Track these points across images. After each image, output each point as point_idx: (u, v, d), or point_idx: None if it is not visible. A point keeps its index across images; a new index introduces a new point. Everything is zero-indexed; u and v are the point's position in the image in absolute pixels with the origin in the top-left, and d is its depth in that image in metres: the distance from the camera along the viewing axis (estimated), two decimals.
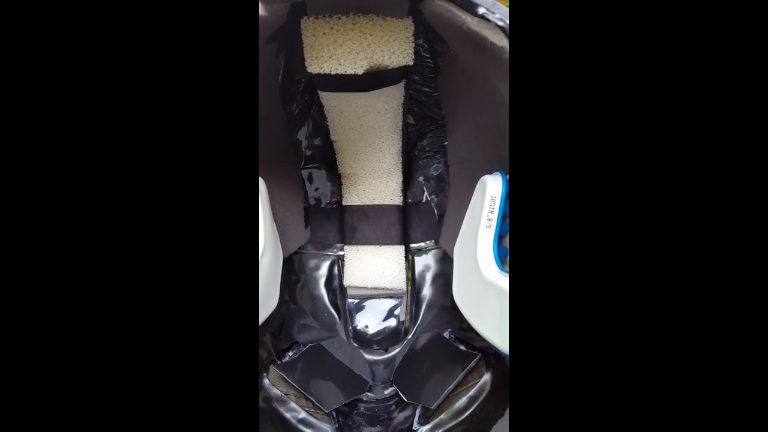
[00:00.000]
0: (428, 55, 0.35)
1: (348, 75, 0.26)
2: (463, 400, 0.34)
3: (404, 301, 0.44)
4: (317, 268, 0.46)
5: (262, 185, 0.29)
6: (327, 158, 0.42)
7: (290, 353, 0.39)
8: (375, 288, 0.43)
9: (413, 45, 0.30)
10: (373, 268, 0.43)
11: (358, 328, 0.44)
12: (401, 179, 0.43)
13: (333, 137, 0.38)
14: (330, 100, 0.34)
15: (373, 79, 0.28)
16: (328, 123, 0.37)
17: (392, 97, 0.34)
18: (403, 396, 0.35)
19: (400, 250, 0.44)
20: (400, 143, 0.39)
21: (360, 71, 0.25)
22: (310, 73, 0.29)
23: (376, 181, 0.42)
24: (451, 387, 0.33)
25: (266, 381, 0.35)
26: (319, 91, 0.33)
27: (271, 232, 0.30)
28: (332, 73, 0.26)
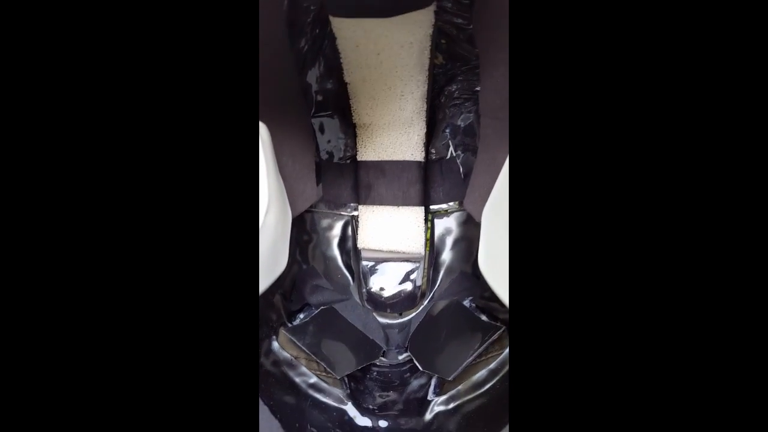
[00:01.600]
0: None
1: None
2: (482, 373, 0.31)
3: (422, 265, 0.41)
4: (330, 228, 0.43)
5: (264, 131, 0.25)
6: (341, 105, 0.38)
7: (301, 315, 0.37)
8: (391, 251, 0.40)
9: None
10: (390, 230, 0.40)
11: (373, 290, 0.41)
12: (424, 131, 0.38)
13: (347, 78, 0.33)
14: (344, 30, 0.29)
15: (392, 1, 0.23)
16: (341, 60, 0.32)
17: (419, 27, 0.28)
18: (418, 364, 0.32)
19: (420, 211, 0.40)
20: (426, 87, 0.34)
21: None
22: None
23: (395, 133, 0.38)
24: (470, 359, 0.31)
25: (275, 344, 0.33)
26: (330, 18, 0.28)
27: (277, 187, 0.26)
28: None
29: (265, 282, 0.26)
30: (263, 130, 0.25)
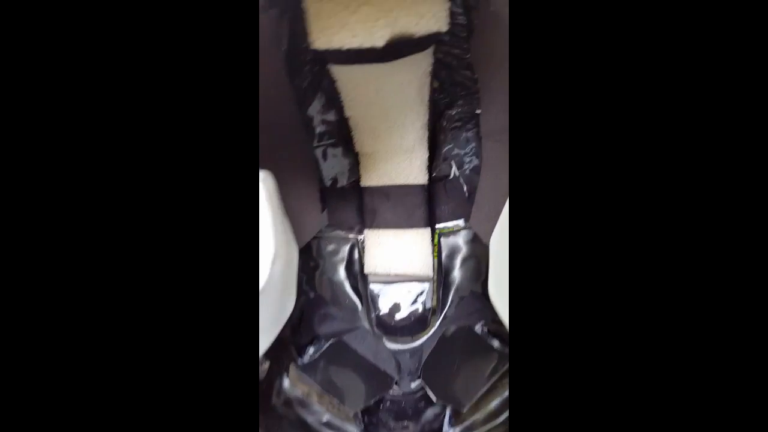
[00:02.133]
0: (461, 10, 0.29)
1: (365, 49, 0.21)
2: (497, 402, 0.31)
3: (431, 286, 0.41)
4: (336, 252, 0.42)
5: (270, 180, 0.25)
6: (343, 134, 0.38)
7: (311, 350, 0.37)
8: (398, 275, 0.40)
9: (448, 5, 0.24)
10: (396, 253, 0.40)
11: (382, 314, 0.41)
12: (426, 155, 0.38)
13: (348, 113, 0.33)
14: (343, 74, 0.29)
15: (396, 50, 0.23)
16: (341, 97, 0.32)
17: (417, 66, 0.28)
18: (432, 395, 0.33)
19: (426, 233, 0.40)
20: (426, 116, 0.34)
21: (380, 43, 0.19)
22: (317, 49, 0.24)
23: (397, 160, 0.38)
24: (484, 389, 0.31)
25: (286, 382, 0.33)
26: (329, 66, 0.28)
27: (283, 231, 0.26)
28: (344, 48, 0.21)
29: (274, 330, 0.26)
30: (269, 178, 0.25)
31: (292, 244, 0.29)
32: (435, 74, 0.33)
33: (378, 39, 0.20)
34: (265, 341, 0.25)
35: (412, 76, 0.28)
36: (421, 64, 0.28)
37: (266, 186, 0.25)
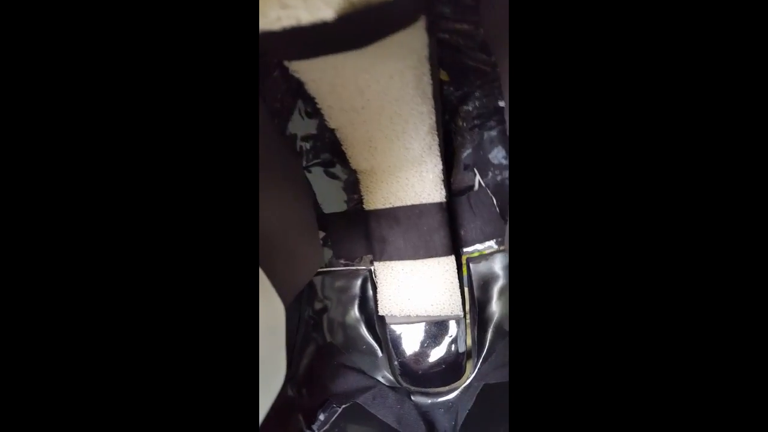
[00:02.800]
0: None
1: (311, 26, 0.14)
2: None
3: (463, 325, 0.33)
4: (346, 289, 0.36)
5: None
6: (336, 148, 0.31)
7: (322, 416, 0.31)
8: (419, 317, 0.33)
9: None
10: (415, 291, 0.32)
11: (406, 361, 0.34)
12: (440, 166, 0.30)
13: (331, 124, 0.26)
14: (310, 73, 0.22)
15: (359, 27, 0.16)
16: (318, 105, 0.25)
17: (408, 51, 0.21)
18: None
19: (449, 262, 0.32)
20: (433, 117, 0.26)
21: (329, 15, 0.13)
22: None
23: (404, 174, 0.30)
24: None
25: None
26: (286, 63, 0.21)
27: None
28: (282, 28, 0.14)
29: (262, 409, 0.20)
30: None
31: (272, 305, 0.22)
32: (440, 61, 0.25)
33: (323, 9, 0.13)
34: None
35: (404, 64, 0.21)
36: (411, 48, 0.20)
37: None
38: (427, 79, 0.23)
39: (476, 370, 0.32)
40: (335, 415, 0.29)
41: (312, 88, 0.22)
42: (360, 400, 0.30)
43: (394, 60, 0.21)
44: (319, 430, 0.29)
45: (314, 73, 0.21)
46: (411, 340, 0.35)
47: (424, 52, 0.21)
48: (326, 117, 0.25)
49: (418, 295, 0.32)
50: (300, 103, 0.28)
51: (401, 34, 0.18)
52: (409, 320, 0.33)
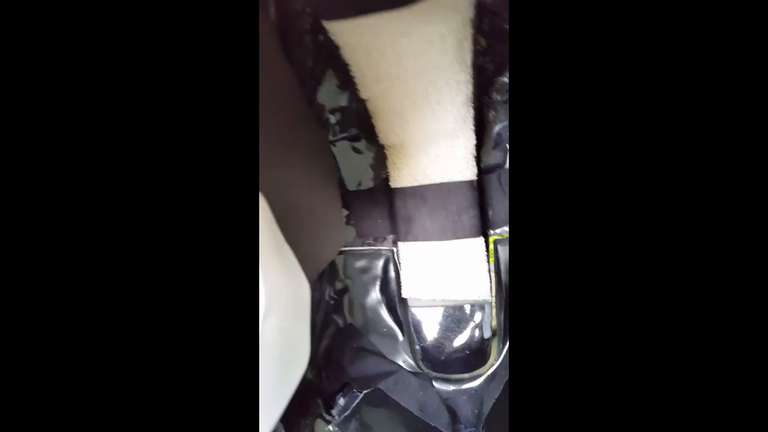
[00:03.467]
0: None
1: None
2: None
3: (489, 310, 0.32)
4: (367, 269, 0.35)
5: (262, 203, 0.18)
6: (364, 122, 0.30)
7: (341, 401, 0.30)
8: (445, 300, 0.32)
9: None
10: (441, 273, 0.31)
11: (428, 345, 0.33)
12: (473, 141, 0.29)
13: (363, 93, 0.25)
14: (347, 36, 0.20)
15: None
16: (351, 72, 0.23)
17: (452, 11, 0.19)
18: None
19: (478, 243, 0.31)
20: (470, 88, 0.25)
21: None
22: None
23: (434, 150, 0.29)
24: None
25: None
26: (325, 24, 0.20)
27: (280, 270, 0.19)
28: None
29: (279, 402, 0.19)
30: (261, 201, 0.18)
31: (298, 281, 0.21)
32: (478, 28, 0.23)
33: None
34: (267, 420, 0.18)
35: (446, 27, 0.19)
36: (457, 7, 0.19)
37: (263, 213, 0.17)
38: (468, 45, 0.22)
39: (501, 356, 0.31)
40: (356, 401, 0.28)
41: (348, 53, 0.21)
42: (381, 386, 0.29)
43: (436, 22, 0.19)
44: (338, 415, 0.29)
45: (352, 36, 0.20)
46: (433, 324, 0.34)
47: (469, 12, 0.20)
48: (359, 86, 0.24)
49: (444, 277, 0.31)
50: (330, 73, 0.27)
51: None
52: (433, 303, 0.32)
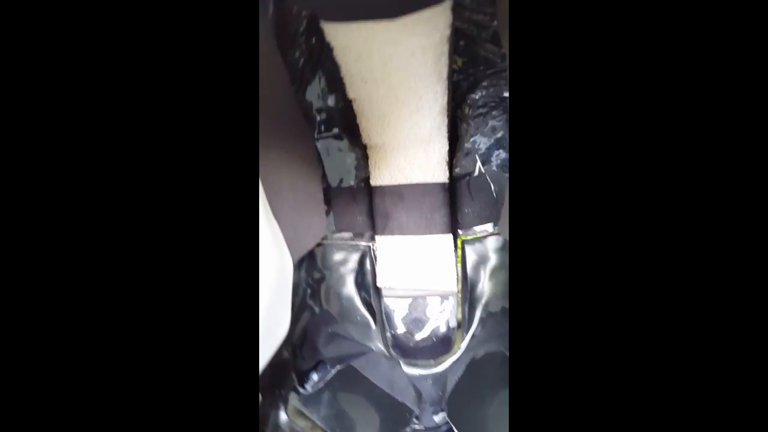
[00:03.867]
0: None
1: None
2: None
3: (454, 301, 0.35)
4: (344, 262, 0.37)
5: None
6: (348, 122, 0.32)
7: (315, 377, 0.32)
8: (417, 289, 0.34)
9: None
10: (413, 264, 0.34)
11: (398, 333, 0.35)
12: (446, 148, 0.32)
13: (351, 94, 0.28)
14: (341, 38, 0.23)
15: None
16: (341, 73, 0.26)
17: (433, 29, 0.23)
18: None
19: (447, 240, 0.34)
20: (445, 98, 0.28)
21: None
22: None
23: (412, 153, 0.32)
24: None
25: (283, 416, 0.28)
26: (323, 24, 0.23)
27: (272, 241, 0.21)
28: None
29: (265, 354, 0.21)
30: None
31: (284, 256, 0.23)
32: (455, 48, 0.27)
33: None
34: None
35: (427, 42, 0.23)
36: (437, 26, 0.22)
37: None
38: (444, 60, 0.25)
39: (465, 343, 0.34)
40: (328, 375, 0.30)
41: (340, 54, 0.24)
42: (354, 363, 0.31)
43: (419, 36, 0.23)
44: (312, 388, 0.30)
45: (345, 38, 0.23)
46: (404, 314, 0.36)
47: (447, 32, 0.23)
48: (347, 86, 0.27)
49: (416, 268, 0.34)
50: (320, 74, 0.30)
51: (430, 10, 0.20)
52: (405, 293, 0.35)
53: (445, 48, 0.24)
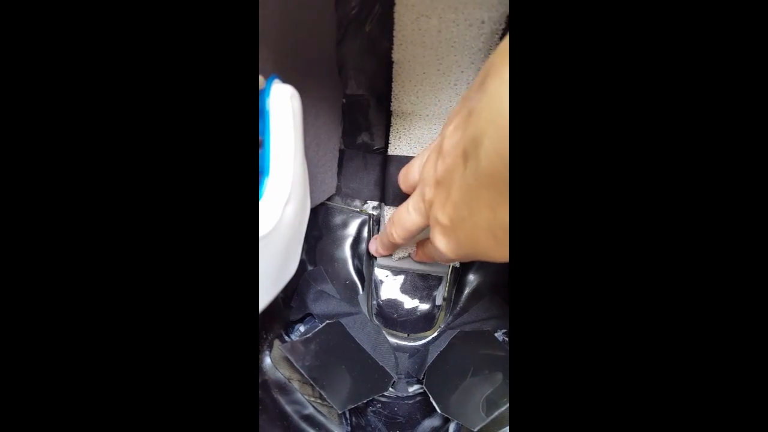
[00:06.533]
0: None
1: None
2: None
3: (444, 282, 0.36)
4: (344, 225, 0.37)
5: (295, 99, 0.19)
6: (377, 88, 0.32)
7: (302, 328, 0.32)
8: (411, 265, 0.35)
9: None
10: (415, 239, 0.34)
11: (383, 304, 0.36)
12: None
13: (395, 55, 0.28)
14: None
15: None
16: (394, 32, 0.26)
17: (499, 2, 0.23)
18: (436, 405, 0.27)
19: None
20: None
21: None
22: None
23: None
24: (504, 408, 0.26)
25: (268, 361, 0.27)
26: None
27: (302, 173, 0.21)
28: None
29: (273, 290, 0.21)
30: (294, 97, 0.19)
31: (307, 195, 0.23)
32: (503, 34, 0.27)
33: None
34: (261, 300, 0.20)
35: (488, 16, 0.23)
36: (502, 2, 0.23)
37: (293, 106, 0.19)
38: (495, 39, 0.26)
39: (444, 324, 0.35)
40: (316, 329, 0.30)
41: (400, 11, 0.24)
42: (342, 321, 0.31)
43: (483, 8, 0.23)
44: (299, 338, 0.30)
45: None
46: (392, 287, 0.37)
47: (507, 13, 0.24)
48: (395, 46, 0.27)
49: (414, 244, 0.34)
50: (366, 30, 0.29)
51: None
52: (399, 265, 0.35)
53: (501, 25, 0.24)
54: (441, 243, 0.21)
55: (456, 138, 0.18)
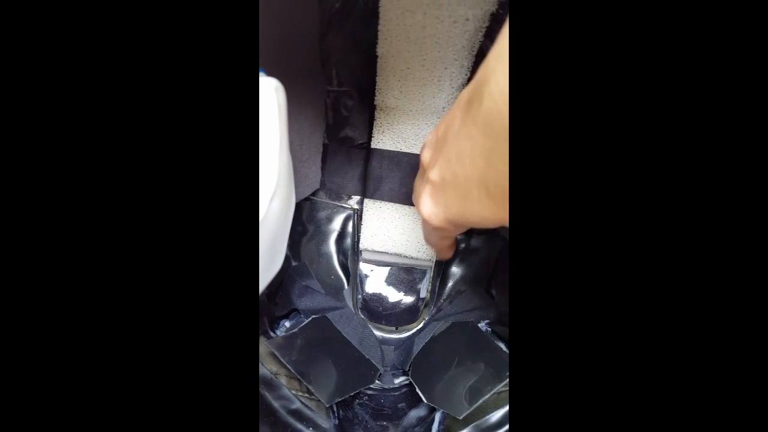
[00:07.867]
0: None
1: None
2: (500, 413, 0.27)
3: (428, 274, 0.37)
4: (328, 220, 0.37)
5: (280, 92, 0.19)
6: (361, 82, 0.32)
7: (287, 324, 0.32)
8: (396, 255, 0.35)
9: None
10: (397, 231, 0.35)
11: (368, 298, 0.36)
12: None
13: (380, 50, 0.28)
14: None
15: None
16: (378, 27, 0.26)
17: (483, 2, 0.23)
18: (421, 395, 0.28)
19: None
20: (468, 75, 0.29)
21: None
22: None
23: (421, 122, 0.33)
24: (487, 396, 0.26)
25: None
26: None
27: (287, 167, 0.20)
28: None
29: (261, 282, 0.21)
30: (279, 90, 0.19)
31: (292, 189, 0.23)
32: (487, 31, 0.28)
33: None
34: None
35: (472, 13, 0.24)
36: (486, 0, 0.23)
37: (278, 98, 0.19)
38: (479, 37, 0.26)
39: (429, 316, 0.36)
40: (302, 324, 0.30)
41: (385, 5, 0.24)
42: (328, 315, 0.31)
43: (466, 6, 0.23)
44: (285, 333, 0.30)
45: None
46: (377, 281, 0.37)
47: (493, 7, 0.24)
48: (379, 41, 0.27)
49: (399, 237, 0.35)
50: (350, 24, 0.29)
51: None
52: (384, 258, 0.36)
53: (485, 23, 0.25)
54: (427, 206, 0.20)
55: (462, 94, 0.18)
